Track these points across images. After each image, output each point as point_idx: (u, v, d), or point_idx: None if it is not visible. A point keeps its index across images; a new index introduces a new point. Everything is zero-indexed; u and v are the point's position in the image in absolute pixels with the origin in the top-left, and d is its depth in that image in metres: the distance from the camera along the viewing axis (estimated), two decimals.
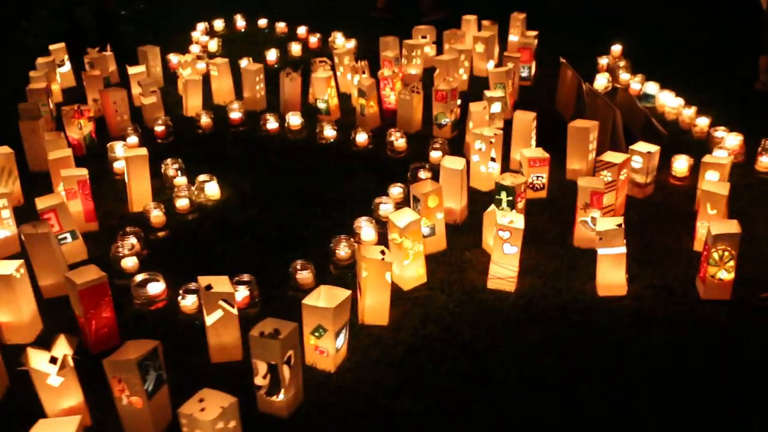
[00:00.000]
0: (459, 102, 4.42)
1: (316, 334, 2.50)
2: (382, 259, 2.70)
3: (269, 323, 2.32)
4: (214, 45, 5.90)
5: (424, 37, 5.35)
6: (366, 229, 3.22)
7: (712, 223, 2.85)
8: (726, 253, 2.78)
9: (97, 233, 3.38)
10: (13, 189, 3.58)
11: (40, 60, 4.90)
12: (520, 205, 3.36)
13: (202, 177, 3.68)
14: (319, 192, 3.74)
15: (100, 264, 2.70)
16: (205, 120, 4.45)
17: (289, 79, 4.57)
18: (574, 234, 3.23)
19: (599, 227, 2.85)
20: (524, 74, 4.99)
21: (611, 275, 2.89)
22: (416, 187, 3.14)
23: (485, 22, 5.45)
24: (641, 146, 3.55)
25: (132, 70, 4.83)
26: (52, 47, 5.16)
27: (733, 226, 2.79)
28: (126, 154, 3.54)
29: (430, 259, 3.13)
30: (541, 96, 4.83)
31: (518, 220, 2.91)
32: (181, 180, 3.74)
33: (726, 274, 2.82)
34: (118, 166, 3.82)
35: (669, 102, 4.47)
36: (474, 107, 3.98)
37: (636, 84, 4.79)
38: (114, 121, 4.39)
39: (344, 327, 2.54)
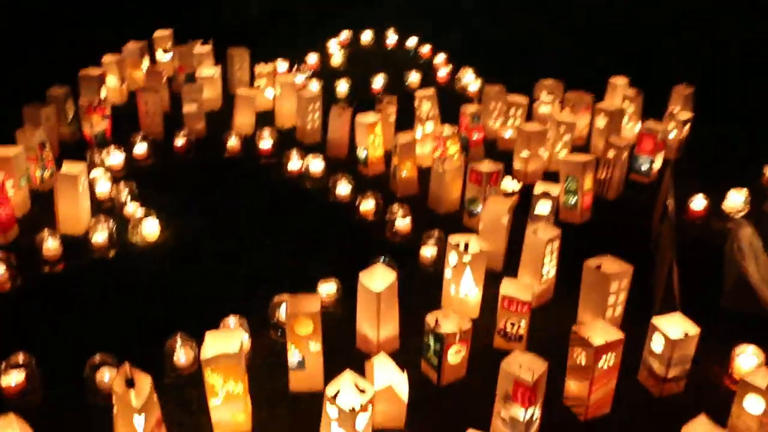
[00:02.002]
0: (518, 185, 3.44)
1: None
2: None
3: None
4: (339, 58, 5.34)
5: (550, 93, 4.31)
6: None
7: None
8: None
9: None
10: None
11: (130, 45, 4.69)
12: (454, 359, 2.40)
13: (139, 212, 3.15)
14: (262, 266, 3.02)
15: None
16: (232, 143, 3.92)
17: (337, 115, 3.88)
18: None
19: None
20: (643, 168, 3.77)
21: None
22: (293, 302, 2.32)
23: (630, 91, 4.25)
24: (673, 323, 2.37)
25: (205, 71, 4.45)
26: (157, 33, 4.93)
27: None
28: (63, 170, 3.11)
29: (287, 401, 2.32)
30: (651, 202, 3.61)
31: (368, 392, 2.00)
32: (131, 209, 3.25)
33: None
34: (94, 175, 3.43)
35: None
36: (492, 204, 3.00)
37: None
38: (145, 122, 4.03)
39: None
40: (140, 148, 3.78)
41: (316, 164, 3.67)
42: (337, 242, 3.22)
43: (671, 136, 4.03)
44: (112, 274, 2.93)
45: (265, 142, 3.90)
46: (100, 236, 3.02)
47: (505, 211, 2.94)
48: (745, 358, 2.46)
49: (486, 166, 3.26)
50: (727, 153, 4.15)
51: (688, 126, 4.05)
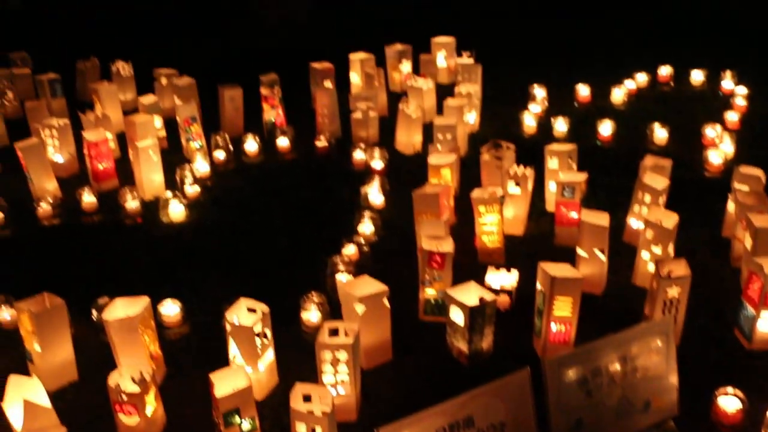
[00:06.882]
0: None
1: None
2: None
3: None
4: (620, 94, 4.51)
5: None
6: None
7: None
8: None
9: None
10: None
11: (395, 46, 4.80)
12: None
13: (168, 193, 3.43)
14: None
15: None
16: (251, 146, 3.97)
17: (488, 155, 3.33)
18: None
19: None
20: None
21: None
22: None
23: None
24: None
25: (421, 82, 4.29)
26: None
27: None
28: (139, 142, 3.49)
29: None
30: None
31: None
32: (190, 190, 3.57)
33: None
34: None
35: None
36: (355, 284, 2.40)
37: None
38: (318, 121, 4.16)
39: None
40: (283, 142, 4.01)
41: (374, 194, 3.40)
42: None
43: None
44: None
45: (283, 140, 3.99)
46: (133, 203, 3.42)
47: (355, 295, 2.32)
48: None
49: None
50: None
51: None
